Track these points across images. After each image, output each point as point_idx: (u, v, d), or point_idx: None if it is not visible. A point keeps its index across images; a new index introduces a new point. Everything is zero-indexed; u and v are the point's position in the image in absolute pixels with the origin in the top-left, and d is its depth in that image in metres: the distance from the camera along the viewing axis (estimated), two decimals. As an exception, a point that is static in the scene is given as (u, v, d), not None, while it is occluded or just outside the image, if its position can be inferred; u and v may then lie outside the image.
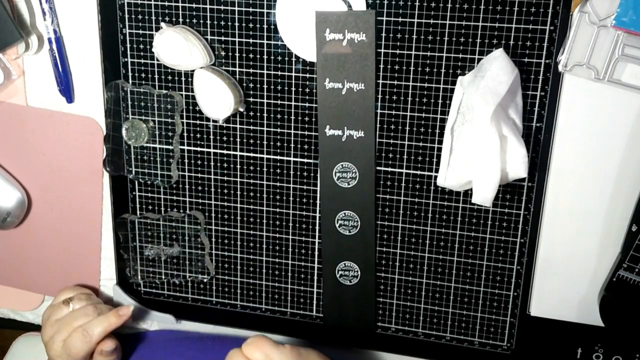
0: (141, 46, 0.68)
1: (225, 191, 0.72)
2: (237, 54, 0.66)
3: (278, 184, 0.70)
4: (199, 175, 0.72)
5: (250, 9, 0.65)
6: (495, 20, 0.60)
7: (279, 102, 0.67)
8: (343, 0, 0.62)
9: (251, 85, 0.67)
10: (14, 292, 0.83)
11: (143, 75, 0.69)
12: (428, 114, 0.64)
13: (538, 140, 0.62)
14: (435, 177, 0.65)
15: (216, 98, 0.66)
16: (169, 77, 0.69)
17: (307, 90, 0.66)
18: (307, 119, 0.67)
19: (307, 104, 0.67)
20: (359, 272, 0.71)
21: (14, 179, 0.77)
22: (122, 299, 0.77)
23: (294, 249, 0.72)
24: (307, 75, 0.66)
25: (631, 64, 0.57)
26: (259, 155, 0.70)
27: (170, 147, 0.71)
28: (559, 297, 0.65)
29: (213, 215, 0.73)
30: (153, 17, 0.67)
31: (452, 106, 0.61)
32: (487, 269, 0.68)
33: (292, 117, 0.67)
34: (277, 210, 0.71)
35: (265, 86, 0.67)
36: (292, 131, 0.68)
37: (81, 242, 0.78)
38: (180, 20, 0.66)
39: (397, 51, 0.63)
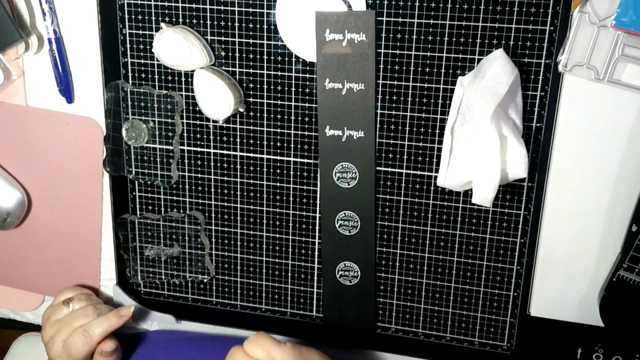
0: (141, 46, 0.68)
1: (225, 191, 0.72)
2: (237, 54, 0.66)
3: (278, 184, 0.70)
4: (199, 175, 0.72)
5: (250, 9, 0.65)
6: (495, 20, 0.60)
7: (279, 102, 0.67)
8: (343, 1, 0.62)
9: (251, 85, 0.67)
10: (14, 292, 0.83)
11: (143, 75, 0.69)
12: (428, 114, 0.64)
13: (538, 140, 0.62)
14: (435, 177, 0.65)
15: (216, 98, 0.66)
16: (169, 77, 0.69)
17: (307, 90, 0.66)
18: (307, 119, 0.67)
19: (307, 104, 0.67)
20: (359, 272, 0.71)
21: (14, 179, 0.77)
22: (122, 299, 0.77)
23: (294, 249, 0.72)
24: (307, 76, 0.66)
25: (631, 64, 0.57)
26: (259, 155, 0.70)
27: (170, 147, 0.71)
28: (559, 297, 0.65)
29: (213, 215, 0.73)
30: (153, 17, 0.67)
31: (452, 106, 0.61)
32: (487, 269, 0.68)
33: (292, 117, 0.67)
34: (277, 210, 0.71)
35: (265, 86, 0.67)
36: (292, 131, 0.68)
37: (81, 242, 0.78)
38: (180, 20, 0.66)
39: (397, 51, 0.63)
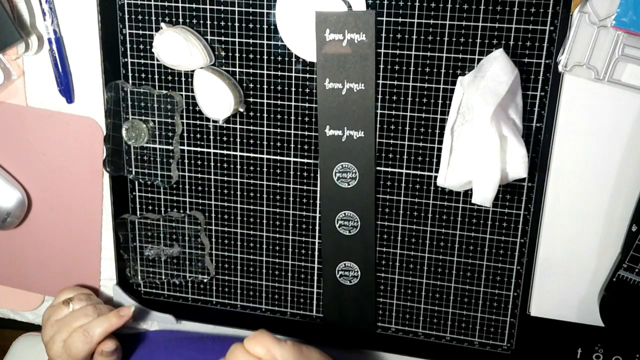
0: (141, 46, 0.68)
1: (225, 191, 0.72)
2: (237, 54, 0.66)
3: (278, 184, 0.70)
4: (199, 175, 0.72)
5: (250, 9, 0.65)
6: (495, 20, 0.60)
7: (279, 102, 0.67)
8: (343, 1, 0.62)
9: (251, 85, 0.67)
10: (14, 292, 0.83)
11: (143, 75, 0.69)
12: (428, 114, 0.64)
13: (538, 140, 0.62)
14: (435, 177, 0.65)
15: (216, 98, 0.66)
16: (169, 77, 0.69)
17: (307, 90, 0.66)
18: (307, 119, 0.67)
19: (307, 104, 0.67)
20: (359, 272, 0.71)
21: (14, 179, 0.77)
22: (122, 299, 0.77)
23: (294, 249, 0.72)
24: (307, 76, 0.66)
25: (631, 64, 0.57)
26: (259, 155, 0.70)
27: (170, 147, 0.71)
28: (559, 297, 0.65)
29: (213, 215, 0.73)
30: (153, 17, 0.67)
31: (452, 106, 0.61)
32: (487, 269, 0.68)
33: (292, 117, 0.67)
34: (277, 210, 0.71)
35: (265, 86, 0.67)
36: (292, 131, 0.68)
37: (81, 242, 0.78)
38: (180, 20, 0.66)
39: (397, 51, 0.63)
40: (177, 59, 0.65)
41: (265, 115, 0.68)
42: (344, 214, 0.69)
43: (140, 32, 0.68)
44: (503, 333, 0.69)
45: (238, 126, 0.69)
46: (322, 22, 0.62)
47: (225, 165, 0.71)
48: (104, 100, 0.71)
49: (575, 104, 0.59)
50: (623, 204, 0.61)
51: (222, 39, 0.66)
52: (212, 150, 0.71)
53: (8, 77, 0.72)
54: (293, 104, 0.67)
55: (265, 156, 0.70)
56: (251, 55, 0.66)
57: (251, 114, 0.68)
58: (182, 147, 0.71)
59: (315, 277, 0.73)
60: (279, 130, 0.68)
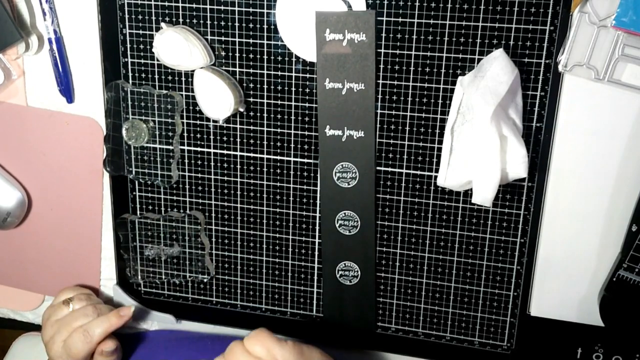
0: (141, 46, 0.68)
1: (225, 191, 0.72)
2: (237, 54, 0.66)
3: (278, 184, 0.70)
4: (199, 175, 0.72)
5: (250, 9, 0.65)
6: (495, 20, 0.60)
7: (279, 102, 0.67)
8: (343, 1, 0.62)
9: (251, 85, 0.67)
10: (14, 292, 0.83)
11: (143, 75, 0.69)
12: (428, 114, 0.64)
13: (538, 140, 0.62)
14: (435, 177, 0.65)
15: (216, 98, 0.66)
16: (169, 77, 0.69)
17: (307, 90, 0.66)
18: (307, 119, 0.67)
19: (307, 104, 0.67)
20: (359, 272, 0.71)
21: (14, 179, 0.77)
22: (122, 299, 0.77)
23: (294, 249, 0.72)
24: (307, 75, 0.66)
25: (631, 64, 0.57)
26: (259, 155, 0.70)
27: (171, 147, 0.71)
28: (559, 297, 0.65)
29: (213, 215, 0.73)
30: (153, 17, 0.67)
31: (452, 106, 0.61)
32: (487, 269, 0.68)
33: (292, 117, 0.67)
34: (277, 210, 0.71)
35: (265, 86, 0.67)
36: (292, 131, 0.68)
37: (81, 242, 0.78)
38: (180, 20, 0.66)
39: (397, 51, 0.63)
40: (177, 59, 0.65)
41: (265, 115, 0.68)
42: (344, 213, 0.69)
43: (141, 32, 0.68)
44: (503, 333, 0.69)
45: (238, 126, 0.69)
46: (322, 22, 0.62)
47: (225, 165, 0.71)
48: (104, 100, 0.71)
49: (575, 104, 0.59)
50: (623, 204, 0.61)
51: (222, 39, 0.66)
52: (212, 150, 0.71)
53: (8, 77, 0.72)
54: (293, 103, 0.67)
55: (265, 156, 0.70)
56: (251, 55, 0.66)
57: (251, 114, 0.68)
58: (182, 147, 0.71)
59: (315, 277, 0.73)
60: (279, 130, 0.68)
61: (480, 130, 0.57)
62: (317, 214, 0.70)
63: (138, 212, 0.75)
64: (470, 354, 0.70)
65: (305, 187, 0.70)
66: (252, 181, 0.71)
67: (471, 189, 0.60)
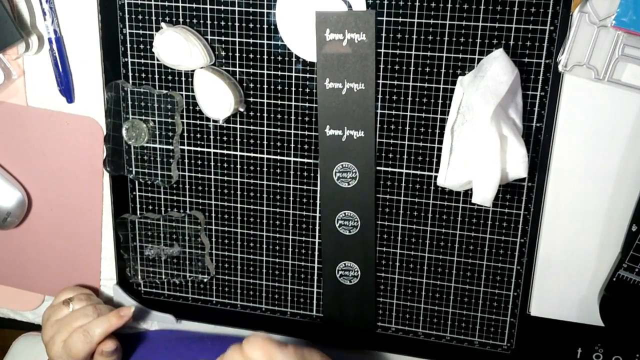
0: (141, 46, 0.68)
1: (225, 191, 0.72)
2: (237, 54, 0.66)
3: (278, 184, 0.70)
4: (199, 175, 0.72)
5: (250, 9, 0.65)
6: (495, 20, 0.60)
7: (279, 102, 0.67)
8: (343, 0, 0.62)
9: (251, 85, 0.67)
10: (14, 292, 0.83)
11: (143, 75, 0.69)
12: (428, 114, 0.64)
13: (538, 140, 0.62)
14: (435, 177, 0.65)
15: (216, 98, 0.66)
16: (169, 77, 0.69)
17: (307, 90, 0.66)
18: (307, 119, 0.67)
19: (307, 104, 0.67)
20: (359, 272, 0.71)
21: (14, 179, 0.77)
22: (122, 299, 0.77)
23: (294, 249, 0.72)
24: (307, 75, 0.66)
25: (631, 64, 0.57)
26: (259, 155, 0.70)
27: (171, 147, 0.71)
28: (559, 297, 0.65)
29: (213, 215, 0.73)
30: (153, 17, 0.67)
31: (452, 106, 0.61)
32: (487, 269, 0.68)
33: (292, 117, 0.67)
34: (277, 210, 0.71)
35: (265, 86, 0.67)
36: (292, 131, 0.68)
37: (81, 242, 0.78)
38: (181, 20, 0.66)
39: (397, 51, 0.63)
40: (177, 59, 0.65)
41: (265, 115, 0.68)
42: (344, 213, 0.69)
43: (141, 31, 0.68)
44: (503, 333, 0.69)
45: (238, 126, 0.69)
46: (322, 22, 0.62)
47: (225, 165, 0.71)
48: (104, 100, 0.71)
49: (575, 104, 0.59)
50: (623, 204, 0.61)
51: (222, 38, 0.66)
52: (212, 150, 0.71)
53: (8, 76, 0.72)
54: (293, 103, 0.67)
55: (265, 156, 0.70)
56: (251, 55, 0.66)
57: (251, 113, 0.68)
58: (182, 147, 0.71)
59: (315, 277, 0.73)
60: (279, 130, 0.68)
61: (480, 130, 0.57)
62: (317, 214, 0.70)
63: (138, 212, 0.75)
64: (470, 354, 0.70)
65: (305, 187, 0.70)
66: (252, 181, 0.71)
67: (471, 189, 0.60)
